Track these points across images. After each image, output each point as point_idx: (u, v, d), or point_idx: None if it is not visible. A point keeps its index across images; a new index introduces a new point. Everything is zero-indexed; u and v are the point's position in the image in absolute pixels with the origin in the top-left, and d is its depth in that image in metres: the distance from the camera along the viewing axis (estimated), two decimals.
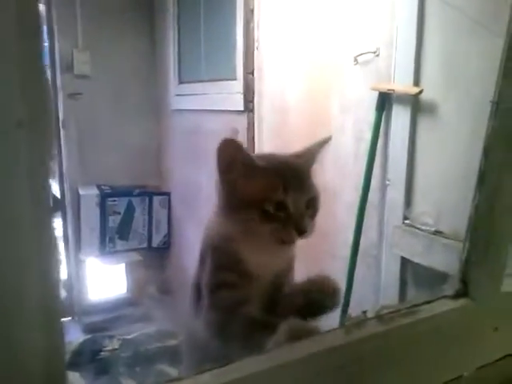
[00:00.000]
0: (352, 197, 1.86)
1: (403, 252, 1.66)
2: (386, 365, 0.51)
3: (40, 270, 0.34)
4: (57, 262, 0.35)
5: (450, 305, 0.55)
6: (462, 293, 0.56)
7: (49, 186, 0.29)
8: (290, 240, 0.68)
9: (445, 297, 0.56)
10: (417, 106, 1.60)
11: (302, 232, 0.67)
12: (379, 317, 0.50)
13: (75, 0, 2.96)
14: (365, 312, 0.51)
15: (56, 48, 3.02)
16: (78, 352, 1.40)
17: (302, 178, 0.71)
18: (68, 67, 3.02)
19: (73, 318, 3.21)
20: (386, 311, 0.50)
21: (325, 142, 0.76)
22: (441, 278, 1.46)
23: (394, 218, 1.71)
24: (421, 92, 1.55)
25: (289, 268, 0.77)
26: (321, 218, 2.30)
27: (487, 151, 0.54)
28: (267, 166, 0.69)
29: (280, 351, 0.45)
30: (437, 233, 1.54)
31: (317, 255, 2.13)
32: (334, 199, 1.97)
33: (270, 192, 0.67)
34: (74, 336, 3.01)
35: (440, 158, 1.54)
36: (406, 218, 1.67)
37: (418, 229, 1.59)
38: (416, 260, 1.61)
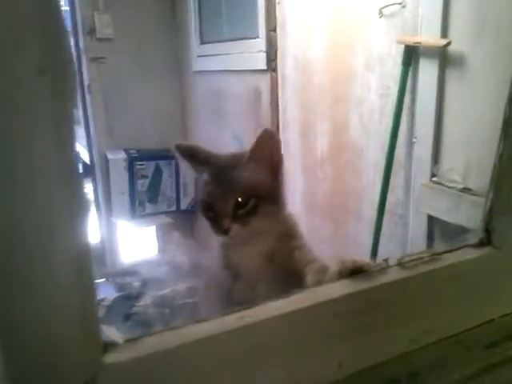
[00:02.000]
0: (378, 155, 1.83)
1: (430, 210, 1.64)
2: (405, 310, 0.52)
3: (71, 230, 0.35)
4: (86, 220, 0.36)
5: (472, 253, 0.54)
6: (486, 242, 0.56)
7: (73, 134, 0.30)
8: (221, 235, 0.75)
9: (468, 245, 0.55)
10: (445, 59, 1.54)
11: (224, 232, 0.74)
12: (401, 264, 0.51)
13: None
14: (386, 260, 0.51)
15: (77, 12, 3.01)
16: (112, 307, 1.47)
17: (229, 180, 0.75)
18: (90, 31, 3.01)
19: (106, 280, 3.34)
20: (407, 259, 0.51)
21: (262, 139, 0.75)
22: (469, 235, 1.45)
23: (421, 176, 1.68)
24: (449, 44, 1.49)
25: (280, 242, 0.79)
26: (347, 177, 2.28)
27: None
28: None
29: (301, 295, 0.47)
30: (465, 190, 1.52)
31: (342, 216, 2.14)
32: (360, 158, 1.96)
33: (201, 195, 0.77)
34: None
35: (469, 112, 1.49)
36: (433, 175, 1.64)
37: (446, 186, 1.57)
38: (443, 218, 1.59)
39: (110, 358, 0.39)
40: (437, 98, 1.58)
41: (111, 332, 0.41)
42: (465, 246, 0.56)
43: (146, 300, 1.24)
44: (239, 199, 0.73)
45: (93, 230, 3.40)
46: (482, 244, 0.56)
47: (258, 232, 0.75)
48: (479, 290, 0.56)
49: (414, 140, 1.70)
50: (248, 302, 0.66)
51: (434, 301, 0.53)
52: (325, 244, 2.28)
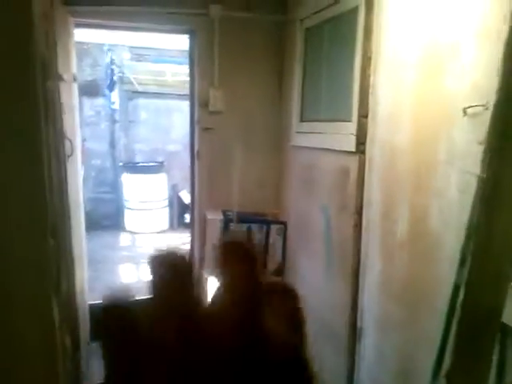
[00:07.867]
0: (455, 249, 1.82)
1: (504, 317, 1.58)
2: None
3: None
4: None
5: None
6: None
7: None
8: None
9: None
10: None
11: None
12: None
13: (213, 44, 3.33)
14: None
15: (195, 87, 3.42)
16: None
17: None
18: (205, 104, 3.40)
19: None
20: None
21: None
22: None
23: None
24: None
25: None
26: (423, 266, 2.27)
27: None
28: None
29: None
30: None
31: (416, 304, 2.11)
32: (437, 249, 1.95)
33: None
34: None
35: None
36: None
37: None
38: None
39: None
40: None
41: None
42: None
43: None
44: None
45: None
46: None
47: None
48: None
49: None
50: None
51: None
52: (396, 328, 2.26)
